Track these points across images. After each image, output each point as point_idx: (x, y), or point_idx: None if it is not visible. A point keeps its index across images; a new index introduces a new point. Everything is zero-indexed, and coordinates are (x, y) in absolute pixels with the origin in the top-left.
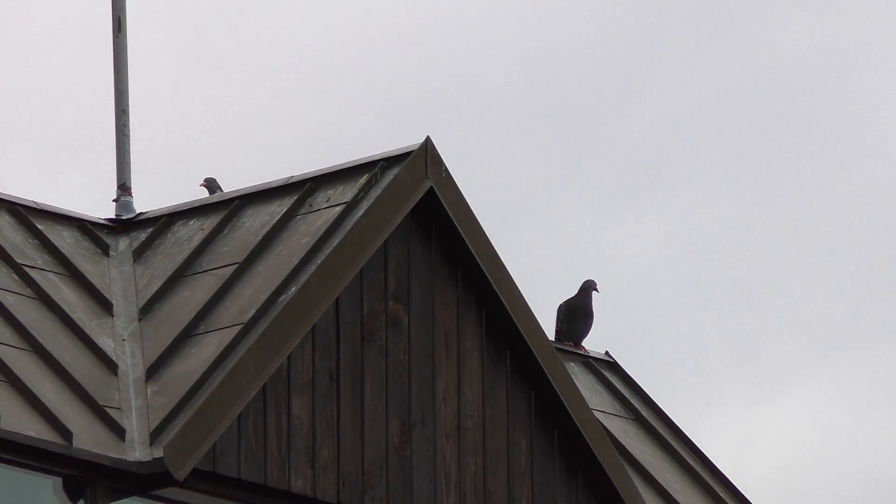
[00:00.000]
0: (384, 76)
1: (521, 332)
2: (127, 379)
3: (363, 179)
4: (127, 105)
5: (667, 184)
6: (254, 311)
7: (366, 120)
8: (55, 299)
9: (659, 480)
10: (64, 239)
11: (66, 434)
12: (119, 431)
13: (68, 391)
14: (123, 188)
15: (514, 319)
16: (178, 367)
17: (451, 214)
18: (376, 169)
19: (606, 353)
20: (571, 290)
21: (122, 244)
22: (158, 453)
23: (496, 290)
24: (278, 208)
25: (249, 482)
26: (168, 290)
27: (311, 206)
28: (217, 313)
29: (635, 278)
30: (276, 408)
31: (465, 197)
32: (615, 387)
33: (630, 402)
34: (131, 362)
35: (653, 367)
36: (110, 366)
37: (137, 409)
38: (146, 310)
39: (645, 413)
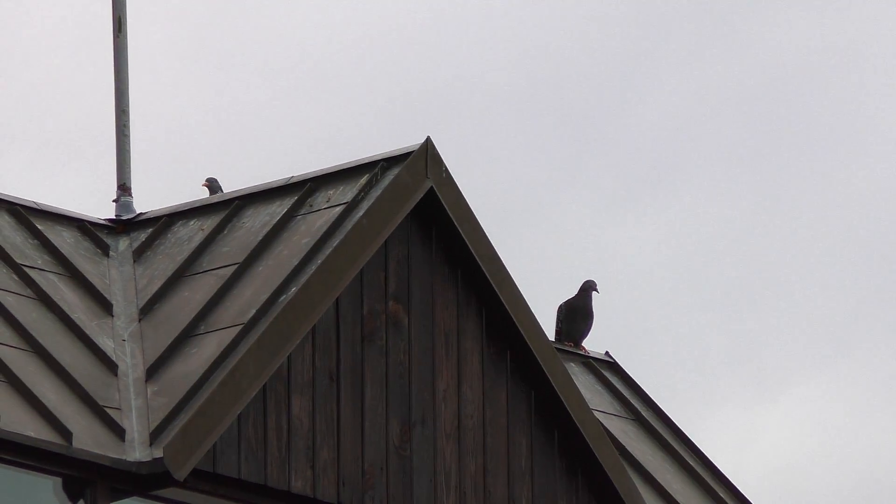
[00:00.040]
0: (384, 76)
1: (521, 332)
2: (127, 379)
3: (363, 180)
4: (127, 105)
5: (667, 184)
6: (254, 311)
7: (366, 120)
8: (55, 299)
9: (659, 480)
10: (64, 239)
11: (66, 434)
12: (119, 431)
13: (68, 391)
14: (123, 188)
15: (514, 319)
16: (179, 368)
17: (451, 215)
18: (376, 169)
19: (606, 353)
20: (571, 290)
21: (122, 244)
22: (158, 453)
23: (496, 290)
24: (278, 208)
25: (249, 482)
26: (168, 291)
27: (311, 206)
28: (217, 313)
29: (635, 278)
30: (276, 408)
31: (465, 197)
32: (615, 387)
33: (630, 403)
34: (131, 362)
35: (653, 367)
36: (110, 366)
37: (137, 410)
38: (146, 310)
39: (645, 413)
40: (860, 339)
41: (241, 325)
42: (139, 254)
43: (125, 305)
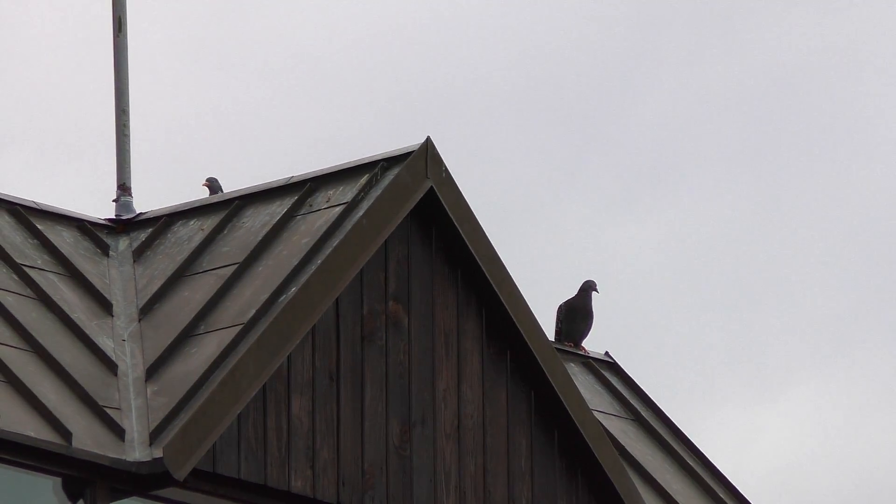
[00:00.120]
0: (384, 76)
1: (521, 332)
2: (127, 379)
3: (363, 180)
4: (127, 105)
5: (667, 184)
6: (254, 311)
7: (366, 120)
8: (55, 299)
9: (659, 481)
10: (64, 239)
11: (65, 434)
12: (119, 431)
13: (68, 391)
14: (123, 188)
15: (514, 320)
16: (178, 367)
17: (451, 215)
18: (376, 169)
19: (606, 353)
20: (571, 291)
21: (122, 244)
22: (158, 453)
23: (496, 290)
24: (278, 208)
25: (249, 482)
26: (168, 291)
27: (311, 206)
28: (217, 313)
29: (635, 278)
30: (276, 408)
31: (465, 197)
32: (615, 387)
33: (630, 403)
34: (131, 362)
35: (653, 367)
36: (110, 366)
37: (137, 409)
38: (146, 310)
39: (645, 413)
40: (860, 339)
41: (241, 325)
42: (139, 254)
43: (125, 305)
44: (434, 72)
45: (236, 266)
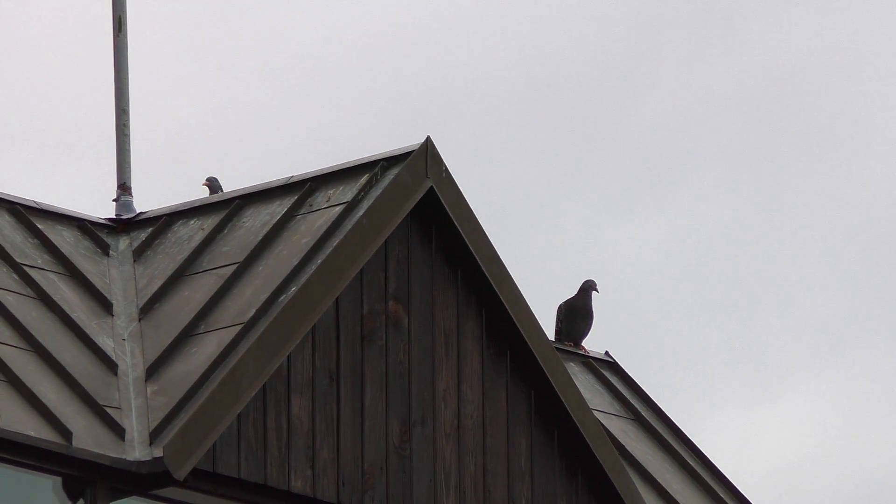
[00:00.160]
0: (384, 76)
1: (521, 332)
2: (127, 379)
3: (363, 179)
4: (127, 105)
5: (667, 184)
6: (254, 310)
7: (366, 120)
8: (55, 299)
9: (659, 480)
10: (64, 239)
11: (65, 434)
12: (119, 431)
13: (68, 391)
14: (123, 188)
15: (514, 319)
16: (179, 367)
17: (451, 215)
18: (377, 169)
19: (606, 353)
20: (571, 290)
21: (123, 244)
22: (158, 453)
23: (496, 290)
24: (278, 208)
25: (249, 482)
26: (168, 290)
27: (311, 205)
28: (217, 313)
29: (635, 278)
30: (276, 408)
31: (465, 197)
32: (615, 387)
33: (630, 402)
34: (131, 362)
35: (653, 367)
36: (110, 365)
37: (137, 409)
38: (146, 309)
39: (645, 413)
40: (860, 339)
41: (241, 325)
42: (139, 253)
43: (125, 305)
44: (434, 72)
45: (236, 266)
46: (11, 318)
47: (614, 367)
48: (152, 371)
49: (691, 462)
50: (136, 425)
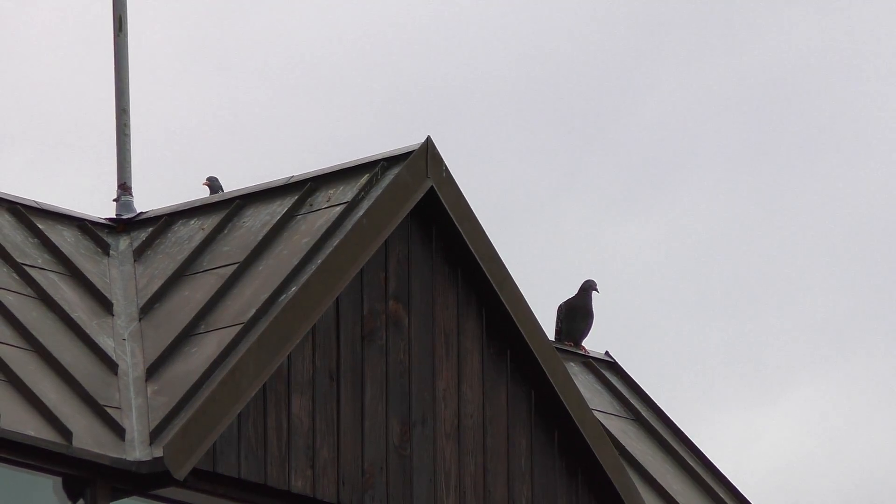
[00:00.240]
0: (384, 76)
1: (521, 332)
2: (127, 378)
3: (364, 179)
4: (127, 105)
5: (667, 184)
6: (254, 310)
7: (366, 120)
8: (55, 299)
9: (659, 481)
10: (64, 238)
11: (66, 434)
12: (119, 431)
13: (68, 391)
14: (124, 188)
15: (514, 319)
16: (179, 367)
17: (451, 214)
18: (377, 169)
19: (606, 353)
20: (571, 290)
21: (123, 244)
22: (158, 453)
23: (496, 290)
24: (279, 208)
25: (249, 482)
26: (168, 290)
27: (311, 205)
28: (217, 313)
29: (635, 278)
30: (276, 408)
31: (465, 197)
32: (615, 387)
33: (630, 402)
34: (131, 362)
35: (653, 367)
36: (110, 365)
37: (137, 409)
38: (146, 309)
39: (645, 413)
40: (860, 340)
41: (242, 325)
42: (139, 253)
43: (125, 305)
44: (434, 72)
45: (237, 265)
46: (12, 318)
47: (614, 367)
48: (152, 371)
49: (691, 462)
50: (136, 425)
